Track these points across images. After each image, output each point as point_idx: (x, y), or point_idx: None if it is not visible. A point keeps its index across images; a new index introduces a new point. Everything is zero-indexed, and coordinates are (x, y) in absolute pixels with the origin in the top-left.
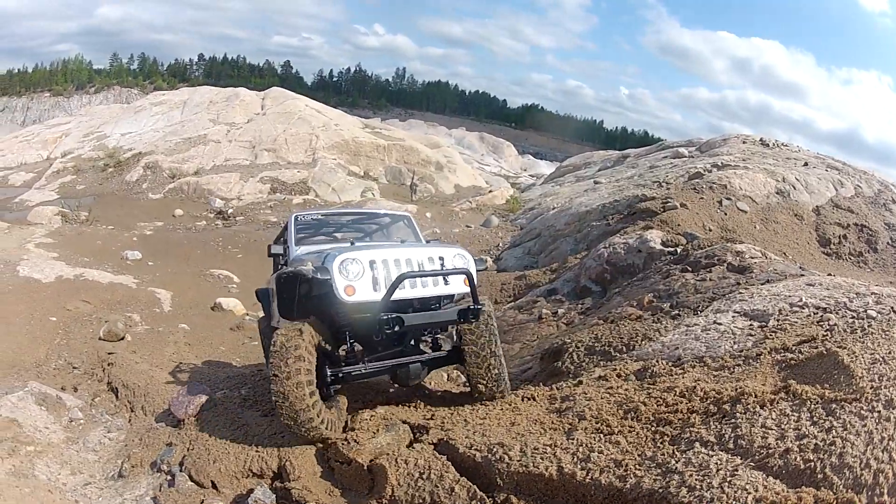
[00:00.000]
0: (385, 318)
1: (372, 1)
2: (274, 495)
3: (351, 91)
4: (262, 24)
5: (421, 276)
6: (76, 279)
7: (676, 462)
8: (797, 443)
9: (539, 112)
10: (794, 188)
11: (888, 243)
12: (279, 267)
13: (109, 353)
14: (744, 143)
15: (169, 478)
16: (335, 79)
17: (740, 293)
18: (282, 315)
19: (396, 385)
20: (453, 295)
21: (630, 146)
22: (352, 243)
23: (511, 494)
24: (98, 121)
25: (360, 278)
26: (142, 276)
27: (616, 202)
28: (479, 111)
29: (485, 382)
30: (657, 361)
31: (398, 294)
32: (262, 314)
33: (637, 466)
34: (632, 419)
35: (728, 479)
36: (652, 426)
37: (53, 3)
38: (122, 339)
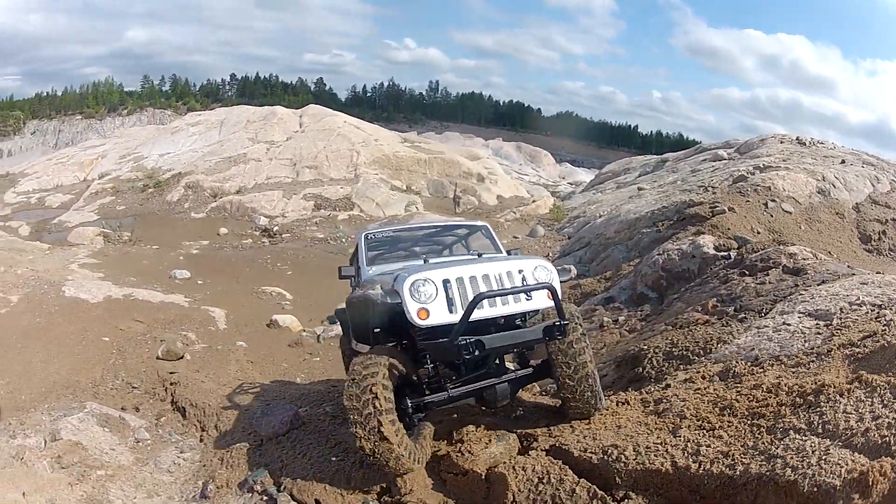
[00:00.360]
0: (463, 342)
1: (401, 16)
2: None
3: (385, 106)
4: (292, 42)
5: (500, 294)
6: (125, 299)
7: (776, 448)
8: (873, 423)
9: (574, 119)
10: (834, 187)
11: None
12: (354, 289)
13: (171, 373)
14: (781, 142)
15: (265, 498)
16: (369, 94)
17: (801, 294)
18: (357, 340)
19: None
20: (539, 308)
21: (666, 150)
22: (425, 260)
23: (630, 491)
24: (134, 142)
25: (433, 300)
26: (193, 294)
27: (664, 208)
28: (515, 121)
29: (580, 402)
30: (736, 362)
31: (477, 314)
32: (318, 330)
33: (742, 455)
34: (728, 415)
35: (823, 457)
36: (748, 420)
37: (80, 27)
38: (182, 357)
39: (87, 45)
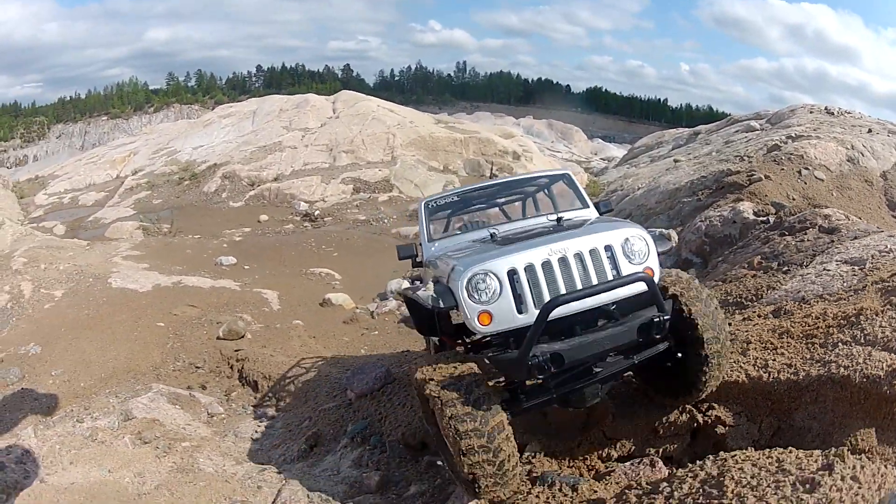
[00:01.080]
0: (536, 360)
1: None
2: None
3: (414, 89)
4: (317, 31)
5: (578, 297)
6: (175, 286)
7: (829, 357)
8: None
9: (604, 94)
10: (863, 155)
11: None
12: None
13: (237, 350)
14: (810, 112)
15: (370, 447)
16: (397, 78)
17: (836, 248)
18: (420, 332)
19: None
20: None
21: (696, 122)
22: (492, 236)
23: (713, 403)
24: (166, 137)
25: (496, 299)
26: (242, 278)
27: (703, 178)
28: (544, 98)
29: (704, 390)
30: (786, 302)
31: (555, 313)
32: (371, 307)
33: (802, 364)
34: (787, 338)
35: (867, 358)
36: (803, 340)
37: (100, 31)
38: (243, 336)
39: (107, 49)
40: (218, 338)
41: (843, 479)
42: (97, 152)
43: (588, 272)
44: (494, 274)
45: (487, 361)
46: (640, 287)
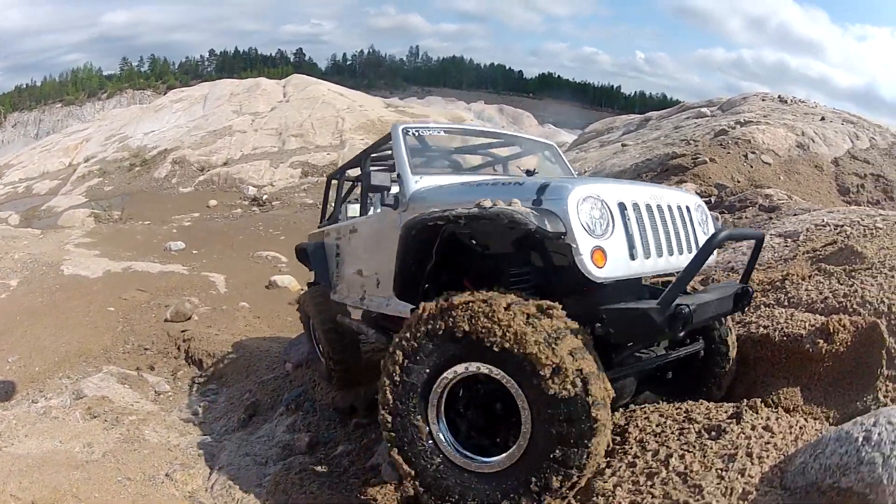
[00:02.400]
0: (683, 310)
1: None
2: None
3: (366, 73)
4: (271, 14)
5: (742, 237)
6: (125, 271)
7: (750, 318)
8: (830, 293)
9: (556, 80)
10: (813, 141)
11: None
12: (339, 212)
13: (183, 331)
14: (763, 100)
15: (303, 413)
16: (349, 62)
17: (773, 224)
18: (398, 293)
19: None
20: None
21: (649, 110)
22: (529, 173)
23: None
24: (118, 123)
25: (609, 235)
26: (190, 263)
27: (648, 160)
28: (497, 84)
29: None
30: (715, 272)
31: (648, 266)
32: None
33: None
34: None
35: (789, 318)
36: None
37: (58, 16)
38: (190, 318)
39: (66, 33)
40: (166, 320)
41: (752, 427)
42: (51, 140)
43: (683, 228)
44: (605, 202)
45: (605, 316)
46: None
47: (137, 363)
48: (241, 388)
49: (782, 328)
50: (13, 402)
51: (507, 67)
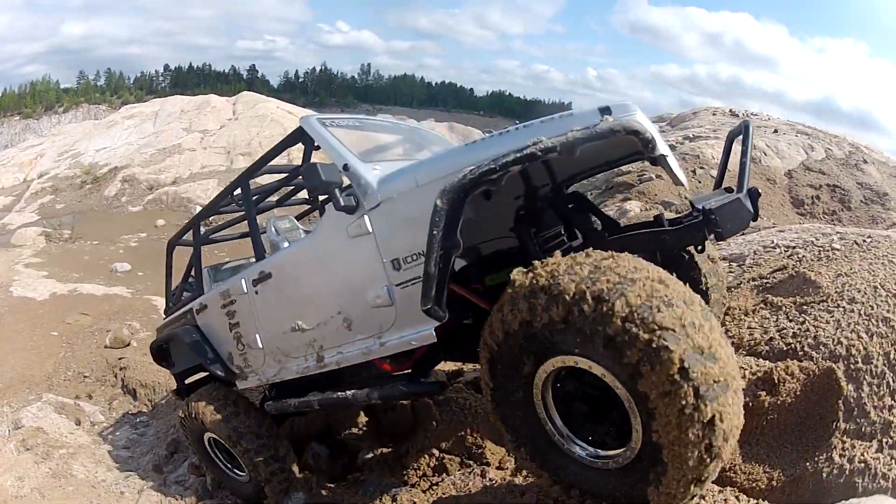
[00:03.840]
0: (752, 192)
1: None
2: (328, 449)
3: (318, 91)
4: (226, 30)
5: None
6: (70, 294)
7: None
8: (778, 333)
9: (507, 98)
10: (766, 154)
11: (861, 201)
12: (260, 249)
13: (120, 359)
14: (713, 115)
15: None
16: (301, 80)
17: (718, 244)
18: (435, 305)
19: None
20: None
21: None
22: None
23: None
24: (71, 139)
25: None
26: (134, 285)
27: (593, 179)
28: (447, 102)
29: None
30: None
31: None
32: None
33: None
34: None
35: None
36: None
37: (19, 26)
38: (128, 345)
39: (25, 44)
40: (105, 346)
41: None
42: (7, 154)
43: None
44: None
45: (715, 217)
46: None
47: (77, 391)
48: (168, 421)
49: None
50: None
51: (458, 85)
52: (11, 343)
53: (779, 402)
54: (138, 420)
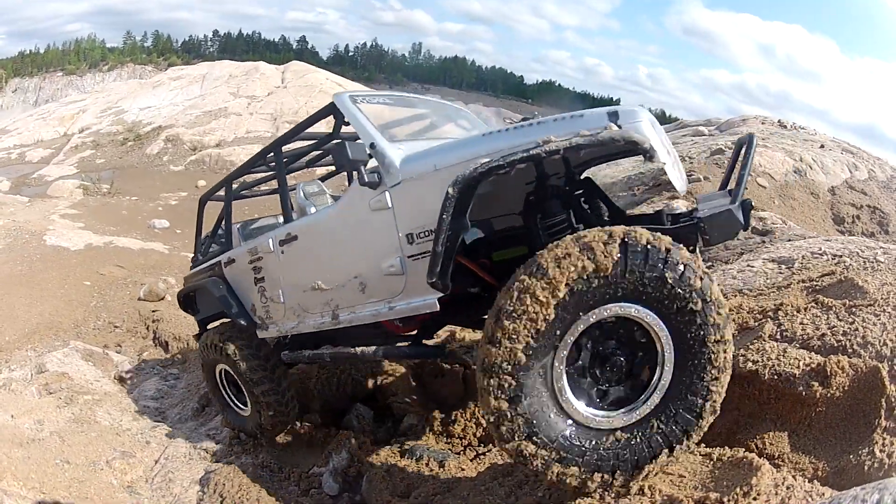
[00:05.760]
0: (745, 204)
1: None
2: (372, 412)
3: (367, 65)
4: (277, 0)
5: None
6: (105, 246)
7: (743, 351)
8: (829, 330)
9: (557, 89)
10: (811, 168)
11: None
12: (289, 212)
13: (153, 311)
14: (762, 123)
15: None
16: (351, 54)
17: (766, 247)
18: (441, 280)
19: None
20: None
21: None
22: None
23: None
24: (115, 96)
25: (668, 155)
26: (171, 242)
27: (641, 174)
28: (496, 87)
29: None
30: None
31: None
32: None
33: None
34: None
35: (781, 355)
36: None
37: None
38: (163, 298)
39: (70, 3)
40: (139, 298)
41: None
42: (48, 108)
43: None
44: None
45: (704, 224)
46: None
47: (106, 340)
48: (201, 374)
49: (773, 365)
50: None
51: (509, 71)
52: (41, 290)
53: (829, 394)
54: (169, 372)
